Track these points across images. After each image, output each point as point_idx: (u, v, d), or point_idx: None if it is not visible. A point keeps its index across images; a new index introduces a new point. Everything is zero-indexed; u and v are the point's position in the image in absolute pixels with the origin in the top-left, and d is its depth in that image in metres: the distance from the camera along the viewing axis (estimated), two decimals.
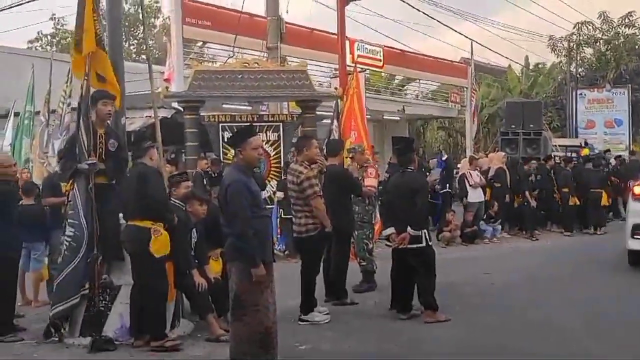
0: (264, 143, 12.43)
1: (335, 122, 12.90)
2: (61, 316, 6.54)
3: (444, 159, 17.15)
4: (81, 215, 6.48)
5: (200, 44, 19.63)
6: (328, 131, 13.59)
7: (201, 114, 12.75)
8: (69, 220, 6.52)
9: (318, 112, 13.48)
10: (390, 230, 7.59)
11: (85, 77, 6.75)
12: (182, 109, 13.28)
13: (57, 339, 6.55)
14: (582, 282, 9.62)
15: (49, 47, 33.79)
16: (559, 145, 22.56)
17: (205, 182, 11.68)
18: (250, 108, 15.79)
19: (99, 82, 6.90)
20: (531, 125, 18.11)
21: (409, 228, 7.32)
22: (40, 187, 9.41)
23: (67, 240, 6.52)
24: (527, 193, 15.24)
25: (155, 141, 7.10)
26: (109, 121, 6.88)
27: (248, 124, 11.77)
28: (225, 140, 9.79)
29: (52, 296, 6.54)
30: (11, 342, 6.79)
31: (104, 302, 6.61)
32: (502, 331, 7.07)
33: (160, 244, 6.33)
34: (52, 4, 31.65)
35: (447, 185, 15.71)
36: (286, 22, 16.64)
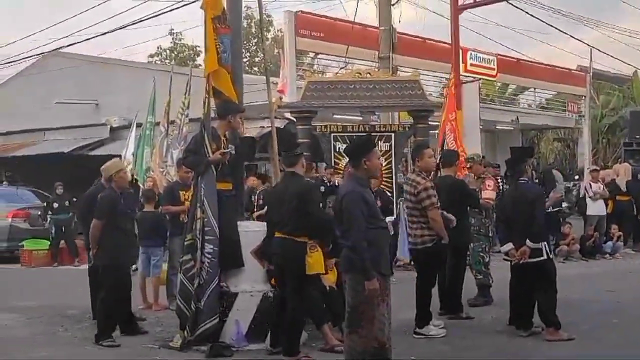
0: None
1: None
2: (208, 335, 6.55)
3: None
4: (216, 230, 6.59)
5: (312, 55, 19.86)
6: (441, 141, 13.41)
7: (313, 124, 12.90)
8: (206, 237, 6.59)
9: (430, 122, 13.33)
10: (509, 246, 7.30)
11: (207, 94, 6.94)
12: (294, 119, 13.48)
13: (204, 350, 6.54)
14: None
15: (167, 61, 35.18)
16: None
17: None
18: (361, 118, 15.81)
19: (215, 96, 7.04)
20: None
21: (527, 241, 7.03)
22: (161, 195, 9.78)
23: (207, 257, 6.58)
24: None
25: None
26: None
27: (364, 134, 11.83)
28: (344, 150, 9.65)
29: (200, 314, 6.57)
30: (108, 346, 6.99)
31: (221, 309, 6.70)
32: (629, 351, 6.66)
33: (314, 260, 6.27)
34: (171, 19, 33.01)
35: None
36: (398, 32, 16.57)
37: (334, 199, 5.99)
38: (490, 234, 9.24)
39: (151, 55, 36.55)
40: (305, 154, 12.45)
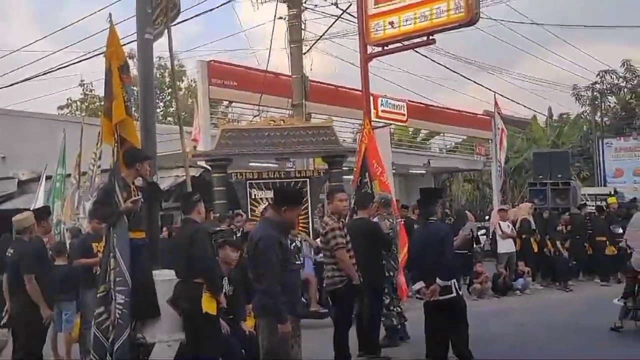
0: None
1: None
2: None
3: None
4: (128, 280, 6.47)
5: (226, 103, 19.98)
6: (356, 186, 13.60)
7: (229, 171, 12.92)
8: (117, 288, 6.41)
9: (344, 168, 13.58)
10: (420, 284, 7.50)
11: (116, 143, 6.87)
12: (209, 168, 13.47)
13: None
14: (625, 336, 9.31)
15: (78, 113, 34.53)
16: (588, 195, 22.33)
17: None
18: (276, 165, 15.93)
19: (121, 145, 6.97)
20: (559, 176, 18.01)
21: (437, 279, 7.24)
22: (72, 248, 9.54)
23: (118, 308, 6.38)
24: (558, 244, 15.10)
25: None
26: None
27: (279, 180, 12.04)
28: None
29: None
30: None
31: None
32: None
33: (205, 299, 6.28)
34: (80, 70, 32.58)
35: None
36: (310, 80, 16.92)
37: (248, 244, 6.04)
38: (396, 275, 9.34)
39: (61, 107, 35.83)
40: (221, 202, 12.68)
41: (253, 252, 5.53)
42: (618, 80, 32.95)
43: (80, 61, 16.48)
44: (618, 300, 9.66)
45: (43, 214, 8.37)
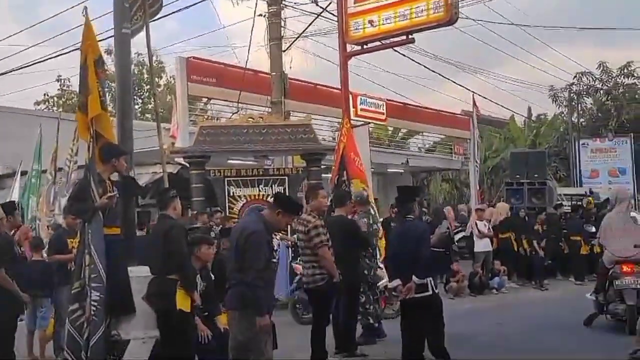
0: (269, 197, 12.51)
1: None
2: None
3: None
4: (103, 277, 6.40)
5: (204, 100, 19.90)
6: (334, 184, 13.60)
7: (206, 168, 12.87)
8: (92, 285, 6.34)
9: (323, 166, 13.59)
10: (396, 282, 7.50)
11: (92, 138, 6.80)
12: (187, 165, 13.41)
13: None
14: (597, 331, 9.44)
15: (55, 108, 34.22)
16: (564, 195, 22.52)
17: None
18: (255, 162, 15.92)
19: (97, 140, 6.90)
20: (535, 175, 18.11)
21: (413, 277, 7.24)
22: (47, 244, 9.43)
23: (94, 305, 6.32)
24: (534, 243, 15.23)
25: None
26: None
27: (257, 177, 12.01)
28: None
29: None
30: None
31: (112, 357, 6.51)
32: None
33: (180, 296, 6.26)
34: (58, 65, 32.25)
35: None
36: (289, 78, 16.91)
37: (234, 234, 6.04)
38: (371, 273, 9.32)
39: (37, 103, 35.49)
40: (199, 199, 12.63)
41: (243, 243, 5.60)
42: (594, 82, 33.27)
43: (57, 56, 16.28)
44: (590, 294, 9.84)
45: (9, 209, 8.26)
